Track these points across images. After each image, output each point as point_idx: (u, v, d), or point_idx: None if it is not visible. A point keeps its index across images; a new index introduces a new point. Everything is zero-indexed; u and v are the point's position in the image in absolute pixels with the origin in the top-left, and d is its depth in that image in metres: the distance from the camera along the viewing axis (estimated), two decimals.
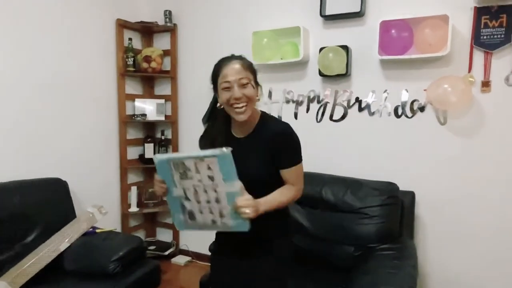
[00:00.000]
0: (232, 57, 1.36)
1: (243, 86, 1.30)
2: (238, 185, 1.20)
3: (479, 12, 2.07)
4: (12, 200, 2.05)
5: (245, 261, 1.43)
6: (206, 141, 1.44)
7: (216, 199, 1.24)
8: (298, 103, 2.63)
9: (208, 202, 1.26)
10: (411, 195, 2.24)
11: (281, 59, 2.55)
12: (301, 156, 1.39)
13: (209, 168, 1.19)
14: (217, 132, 1.44)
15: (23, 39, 2.31)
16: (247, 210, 1.19)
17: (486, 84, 2.10)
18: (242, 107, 1.30)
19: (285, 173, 1.36)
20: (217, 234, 1.55)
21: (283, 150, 1.34)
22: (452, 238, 2.26)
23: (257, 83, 1.38)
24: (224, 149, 1.16)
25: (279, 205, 1.34)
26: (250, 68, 1.35)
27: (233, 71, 1.30)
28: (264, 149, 1.34)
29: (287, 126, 1.39)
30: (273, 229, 1.41)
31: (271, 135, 1.34)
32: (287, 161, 1.36)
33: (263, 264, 1.41)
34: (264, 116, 1.42)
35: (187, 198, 1.28)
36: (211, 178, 1.21)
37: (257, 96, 1.36)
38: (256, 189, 1.27)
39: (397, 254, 1.90)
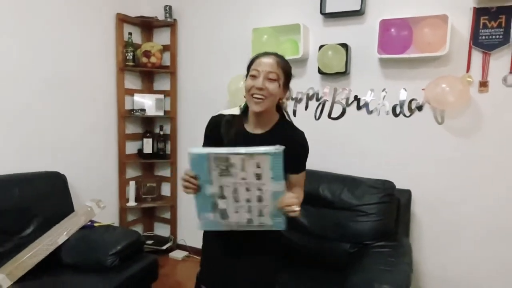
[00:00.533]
0: (273, 53, 1.38)
1: (269, 80, 1.31)
2: (283, 184, 1.20)
3: (478, 12, 2.07)
4: (11, 193, 2.06)
5: (238, 258, 1.44)
6: (216, 127, 1.44)
7: (258, 197, 1.21)
8: (297, 101, 2.64)
9: (248, 201, 1.22)
10: (407, 194, 2.26)
11: None
12: (305, 168, 1.48)
13: (258, 166, 1.16)
14: (232, 121, 1.44)
15: (22, 34, 2.31)
16: (296, 208, 1.21)
17: (484, 84, 2.12)
18: (260, 98, 1.31)
19: (294, 177, 1.42)
20: (206, 231, 1.54)
21: (298, 157, 1.41)
22: (448, 237, 2.28)
23: (287, 86, 1.40)
24: (278, 146, 1.13)
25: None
26: (284, 68, 1.35)
27: (266, 63, 1.33)
28: (290, 151, 1.32)
29: (304, 135, 1.45)
30: (268, 233, 1.40)
31: (290, 140, 1.35)
32: (299, 167, 1.43)
33: (257, 262, 1.43)
34: (284, 119, 1.46)
35: (222, 197, 1.22)
36: (258, 176, 1.17)
37: (283, 98, 1.40)
38: None
39: (393, 252, 1.92)
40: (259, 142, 1.34)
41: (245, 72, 1.40)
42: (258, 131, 1.41)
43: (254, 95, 1.32)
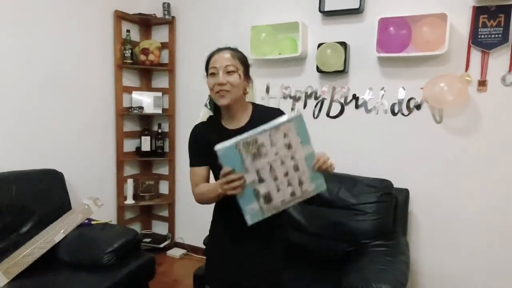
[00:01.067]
0: (225, 48, 1.41)
1: (228, 73, 1.33)
2: (312, 145, 1.25)
3: (478, 11, 2.07)
4: (8, 190, 2.05)
5: (246, 252, 1.44)
6: (199, 134, 1.47)
7: (294, 167, 1.23)
8: (296, 99, 2.63)
9: (286, 174, 1.23)
10: (405, 193, 2.26)
11: (279, 54, 2.54)
12: None
13: (285, 136, 1.19)
14: (209, 125, 1.49)
15: (20, 32, 2.30)
16: (333, 160, 1.26)
17: (482, 83, 2.11)
18: (224, 91, 1.33)
19: None
20: (213, 225, 1.55)
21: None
22: (445, 236, 2.28)
23: (247, 76, 1.41)
24: (296, 112, 1.17)
25: None
26: (240, 59, 1.38)
27: (221, 58, 1.35)
28: None
29: (281, 110, 1.45)
30: (272, 220, 1.40)
31: (266, 117, 1.31)
32: None
33: (265, 255, 1.44)
34: (258, 106, 1.47)
35: (261, 180, 1.22)
36: (288, 146, 1.20)
37: (246, 88, 1.40)
38: None
39: (390, 250, 1.92)
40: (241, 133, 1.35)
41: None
42: (237, 125, 1.41)
43: (219, 92, 1.34)
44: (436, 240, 2.31)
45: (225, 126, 1.43)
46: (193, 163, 1.46)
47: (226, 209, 1.41)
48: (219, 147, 1.16)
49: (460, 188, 2.22)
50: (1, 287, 1.78)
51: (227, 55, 1.36)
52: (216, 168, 1.36)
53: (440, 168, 2.26)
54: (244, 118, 1.41)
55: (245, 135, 1.17)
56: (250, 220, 1.26)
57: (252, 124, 1.36)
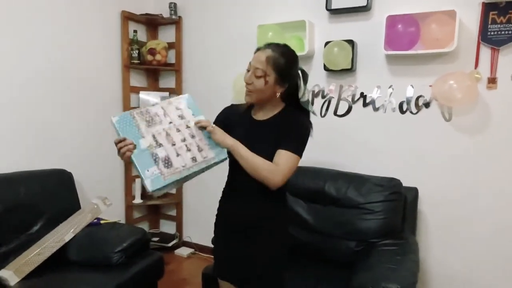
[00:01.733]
0: (272, 45, 1.38)
1: (256, 76, 1.35)
2: (203, 116, 1.39)
3: (487, 7, 2.04)
4: (18, 191, 2.07)
5: (247, 245, 1.46)
6: (229, 112, 1.56)
7: (191, 135, 1.35)
8: (308, 94, 2.61)
9: (184, 140, 1.33)
10: (414, 191, 2.24)
11: None
12: (301, 151, 1.37)
13: (177, 108, 1.36)
14: (237, 110, 1.54)
15: (28, 32, 2.32)
16: (211, 128, 1.35)
17: (492, 80, 2.09)
18: (248, 91, 1.39)
19: (280, 153, 1.33)
20: (217, 218, 1.58)
21: (290, 133, 1.37)
22: (455, 235, 2.26)
23: (281, 82, 1.36)
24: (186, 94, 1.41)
25: (249, 162, 1.32)
26: (276, 65, 1.33)
27: (257, 58, 1.36)
28: (277, 133, 1.38)
29: (306, 119, 1.43)
30: (272, 213, 1.45)
31: (288, 121, 1.40)
32: (287, 143, 1.35)
33: (265, 249, 1.45)
34: (289, 108, 1.45)
35: (158, 145, 1.29)
36: (181, 116, 1.35)
37: (278, 93, 1.39)
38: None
39: (399, 249, 1.90)
40: (261, 127, 1.42)
41: None
42: (261, 118, 1.45)
43: (246, 87, 1.40)
44: (445, 239, 2.29)
45: (252, 115, 1.48)
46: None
47: (221, 201, 1.56)
48: (113, 116, 1.27)
49: (470, 187, 2.20)
50: (12, 286, 1.80)
51: (262, 58, 1.33)
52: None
53: (449, 167, 2.24)
54: (271, 113, 1.44)
55: (138, 108, 1.34)
56: (150, 185, 1.25)
57: (275, 119, 1.42)
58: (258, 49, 1.39)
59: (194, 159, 1.32)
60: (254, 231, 1.45)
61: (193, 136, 1.35)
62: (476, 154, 2.17)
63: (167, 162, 1.28)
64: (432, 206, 2.30)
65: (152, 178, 1.25)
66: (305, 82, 1.44)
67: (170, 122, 1.33)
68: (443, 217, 2.28)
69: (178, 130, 1.33)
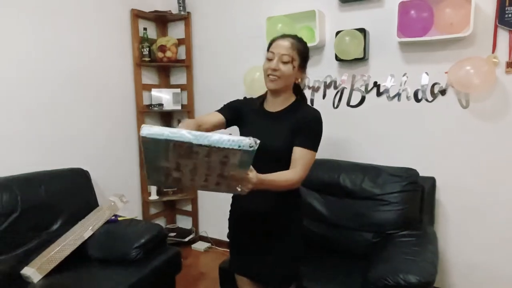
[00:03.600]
0: (289, 35, 1.43)
1: (283, 62, 1.37)
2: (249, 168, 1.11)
3: None
4: (38, 190, 2.12)
5: (260, 234, 1.47)
6: (243, 102, 1.57)
7: (220, 175, 1.09)
8: (314, 89, 2.59)
9: (208, 175, 1.09)
10: (431, 181, 2.20)
11: None
12: (316, 147, 1.41)
13: (225, 156, 1.01)
14: (253, 102, 1.55)
15: (42, 32, 2.35)
16: (239, 188, 1.15)
17: (511, 65, 2.02)
18: (275, 76, 1.38)
19: (296, 150, 1.37)
20: (231, 213, 1.61)
21: (304, 129, 1.38)
22: (474, 225, 2.21)
23: (303, 68, 1.44)
24: (254, 142, 0.98)
25: (277, 184, 1.29)
26: (299, 50, 1.40)
27: (280, 45, 1.38)
28: (290, 127, 1.40)
29: (318, 113, 1.43)
30: (286, 206, 1.46)
31: (300, 116, 1.40)
32: (303, 140, 1.38)
33: (280, 242, 1.45)
34: (300, 100, 1.50)
35: (178, 170, 1.07)
36: (223, 163, 1.04)
37: (298, 80, 1.45)
38: (270, 161, 1.33)
39: (417, 240, 1.88)
40: (275, 119, 1.44)
41: (261, 63, 1.46)
42: (274, 109, 1.47)
43: (269, 75, 1.39)
44: (464, 230, 2.24)
45: (265, 107, 1.50)
46: (220, 108, 1.54)
47: (233, 196, 1.59)
48: (146, 131, 0.95)
49: (489, 175, 2.14)
50: (35, 283, 1.85)
51: (286, 43, 1.38)
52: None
53: (467, 155, 2.18)
54: (283, 105, 1.46)
55: (183, 135, 0.96)
56: (150, 182, 1.21)
57: (288, 111, 1.45)
58: (274, 39, 1.43)
59: (204, 186, 1.15)
60: (269, 225, 1.45)
61: (221, 176, 1.10)
62: (495, 140, 2.11)
63: (177, 182, 1.14)
64: (450, 196, 2.26)
65: (154, 180, 1.16)
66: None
67: (207, 162, 1.03)
68: (462, 206, 2.24)
69: (208, 168, 1.06)
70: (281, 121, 1.43)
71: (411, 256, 1.71)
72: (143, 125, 0.97)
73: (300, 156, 1.36)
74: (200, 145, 0.97)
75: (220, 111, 1.51)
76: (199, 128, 1.33)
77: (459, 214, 2.25)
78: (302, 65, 1.44)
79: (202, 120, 1.42)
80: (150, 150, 1.01)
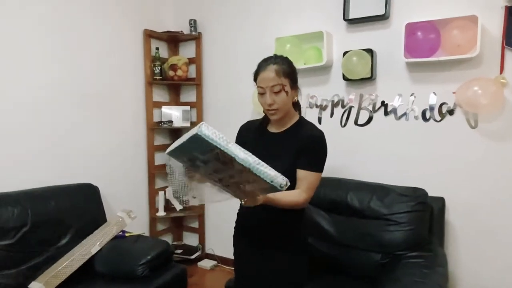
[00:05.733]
0: (270, 60, 1.41)
1: (275, 93, 1.37)
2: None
3: (511, 11, 1.99)
4: (47, 205, 2.15)
5: (263, 252, 1.47)
6: (244, 130, 1.59)
7: (236, 183, 1.11)
8: (322, 108, 2.62)
9: (224, 178, 1.11)
10: (441, 201, 2.17)
11: (304, 64, 2.54)
12: (321, 168, 1.42)
13: (254, 180, 1.05)
14: (252, 125, 1.57)
15: (57, 50, 2.44)
16: (243, 202, 1.19)
17: None
18: (274, 110, 1.40)
19: (301, 173, 1.38)
20: (235, 231, 1.62)
21: (308, 150, 1.38)
22: (485, 247, 2.17)
23: (294, 86, 1.44)
24: (285, 182, 1.05)
25: (281, 204, 1.31)
26: (285, 73, 1.39)
27: (267, 78, 1.37)
28: (294, 147, 1.40)
29: (321, 133, 1.44)
30: (291, 226, 1.45)
31: (304, 136, 1.41)
32: (307, 162, 1.38)
33: (284, 262, 1.44)
34: (302, 119, 1.50)
35: (205, 163, 1.07)
36: (247, 181, 1.08)
37: (295, 98, 1.46)
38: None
39: (426, 262, 1.84)
40: (276, 140, 1.44)
41: None
42: (277, 130, 1.48)
43: (268, 110, 1.41)
44: (475, 251, 2.20)
45: (269, 129, 1.51)
46: None
47: (238, 214, 1.59)
48: (205, 131, 0.97)
49: (500, 196, 2.11)
50: None
51: (271, 74, 1.37)
52: None
53: (478, 175, 2.16)
54: (287, 125, 1.47)
55: (235, 151, 1.01)
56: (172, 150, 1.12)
57: (292, 130, 1.45)
58: (257, 73, 1.41)
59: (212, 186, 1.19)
60: (273, 245, 1.45)
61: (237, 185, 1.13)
62: (505, 161, 2.09)
63: (196, 167, 1.15)
64: (460, 217, 2.22)
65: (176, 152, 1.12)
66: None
67: (231, 176, 1.09)
68: (472, 227, 2.20)
69: (230, 177, 1.09)
70: (284, 142, 1.44)
71: (420, 278, 1.67)
72: (203, 123, 0.99)
73: (304, 177, 1.37)
74: (240, 164, 1.01)
75: None
76: None
77: (469, 235, 2.21)
78: (293, 85, 1.43)
79: None
80: (193, 143, 1.01)
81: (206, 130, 0.98)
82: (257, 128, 1.53)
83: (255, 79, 1.44)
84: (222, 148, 0.99)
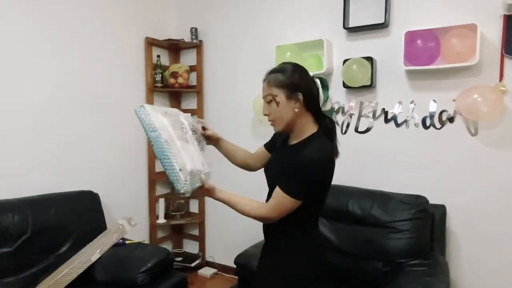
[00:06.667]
0: (271, 71, 1.36)
1: (268, 103, 1.34)
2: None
3: (509, 20, 2.00)
4: (48, 212, 2.15)
5: (258, 269, 1.49)
6: (276, 137, 1.56)
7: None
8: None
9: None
10: (442, 209, 2.17)
11: None
12: (295, 193, 1.24)
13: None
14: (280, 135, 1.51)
15: (59, 57, 2.45)
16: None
17: None
18: (271, 121, 1.37)
19: (275, 188, 1.28)
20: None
21: (288, 169, 1.27)
22: (487, 254, 2.16)
23: (292, 96, 1.30)
24: (182, 190, 1.23)
25: (234, 206, 1.33)
26: (276, 83, 1.30)
27: (263, 88, 1.36)
28: (288, 163, 1.32)
29: (313, 157, 1.24)
30: (284, 245, 1.38)
31: (296, 155, 1.28)
32: (283, 181, 1.27)
33: (269, 277, 1.41)
34: (312, 138, 1.33)
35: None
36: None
37: (296, 109, 1.30)
38: (270, 189, 1.36)
39: (428, 270, 1.84)
40: (286, 152, 1.40)
41: None
42: (291, 142, 1.40)
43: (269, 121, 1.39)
44: (477, 260, 2.19)
45: (289, 141, 1.43)
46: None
47: None
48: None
49: (501, 203, 2.11)
50: None
51: (264, 84, 1.35)
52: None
53: (478, 183, 2.16)
54: (298, 138, 1.36)
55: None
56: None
57: (298, 146, 1.33)
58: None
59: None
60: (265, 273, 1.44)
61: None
62: (505, 168, 2.09)
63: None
64: (461, 224, 2.22)
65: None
66: (326, 88, 1.43)
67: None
68: (473, 235, 2.19)
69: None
70: (286, 156, 1.37)
71: (423, 286, 1.67)
72: (143, 105, 1.36)
73: (275, 194, 1.27)
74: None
75: (265, 144, 1.60)
76: (249, 155, 1.63)
77: (471, 243, 2.20)
78: (291, 96, 1.29)
79: (255, 151, 1.60)
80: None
81: (140, 112, 1.33)
82: (285, 137, 1.46)
83: None
84: (147, 134, 1.28)
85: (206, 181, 1.32)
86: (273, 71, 1.35)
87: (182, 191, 1.19)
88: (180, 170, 1.21)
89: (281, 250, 1.38)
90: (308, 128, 1.35)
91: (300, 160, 1.25)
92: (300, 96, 1.30)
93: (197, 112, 3.22)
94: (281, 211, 1.27)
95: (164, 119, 1.33)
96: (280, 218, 1.28)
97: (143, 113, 1.31)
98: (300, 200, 1.26)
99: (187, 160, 1.26)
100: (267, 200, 1.35)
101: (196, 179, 1.28)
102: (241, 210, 1.32)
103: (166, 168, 1.22)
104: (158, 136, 1.26)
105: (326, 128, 1.37)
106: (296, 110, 1.31)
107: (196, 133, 1.53)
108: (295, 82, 1.31)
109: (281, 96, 1.30)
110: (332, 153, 1.33)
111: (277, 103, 1.30)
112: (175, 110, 1.49)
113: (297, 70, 1.34)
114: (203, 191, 1.33)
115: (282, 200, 1.26)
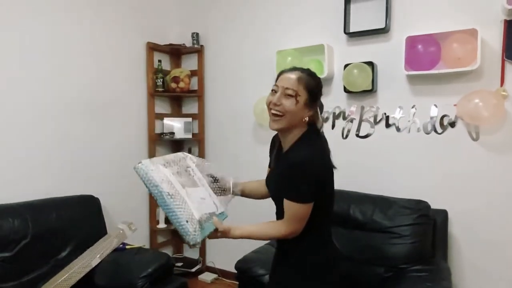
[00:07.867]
0: (299, 68, 1.31)
1: (286, 96, 1.25)
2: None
3: (510, 25, 2.01)
4: (48, 217, 2.15)
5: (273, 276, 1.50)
6: (273, 141, 1.51)
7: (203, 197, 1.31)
8: (323, 120, 2.62)
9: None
10: (443, 214, 2.16)
11: None
12: (303, 198, 1.23)
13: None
14: (276, 140, 1.46)
15: (61, 61, 2.46)
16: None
17: None
18: (276, 115, 1.27)
19: (284, 202, 1.27)
20: None
21: (287, 178, 1.26)
22: (490, 260, 2.14)
23: (310, 105, 1.29)
24: (192, 241, 1.18)
25: (256, 237, 1.32)
26: (307, 85, 1.26)
27: (286, 78, 1.27)
28: (282, 171, 1.31)
29: (303, 158, 1.24)
30: (282, 258, 1.41)
31: (290, 162, 1.27)
32: (288, 191, 1.25)
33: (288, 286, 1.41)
34: (302, 139, 1.31)
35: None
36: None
37: (305, 118, 1.29)
38: (276, 203, 1.36)
39: (430, 276, 1.82)
40: (280, 159, 1.36)
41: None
42: (285, 148, 1.35)
43: (272, 111, 1.29)
44: (479, 265, 2.17)
45: (281, 144, 1.38)
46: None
47: None
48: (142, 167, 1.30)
49: (502, 208, 2.10)
50: None
51: (293, 76, 1.26)
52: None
53: (480, 187, 2.15)
54: (290, 143, 1.33)
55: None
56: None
57: (289, 152, 1.32)
58: (282, 72, 1.32)
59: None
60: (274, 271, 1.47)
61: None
62: (507, 173, 2.08)
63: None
64: (463, 229, 2.20)
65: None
66: (321, 112, 1.38)
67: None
68: (476, 240, 2.18)
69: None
70: (280, 165, 1.35)
71: None
72: (141, 162, 1.28)
73: (287, 208, 1.26)
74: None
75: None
76: (260, 184, 1.51)
77: (473, 248, 2.19)
78: (310, 103, 1.28)
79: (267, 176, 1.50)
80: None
81: (139, 169, 1.28)
82: (277, 147, 1.43)
83: (276, 79, 1.33)
84: (149, 190, 1.25)
85: (220, 222, 1.25)
86: (303, 71, 1.30)
87: (192, 243, 1.16)
88: (187, 221, 1.17)
89: (298, 259, 1.36)
90: (300, 132, 1.32)
91: (292, 165, 1.24)
92: (313, 110, 1.30)
93: (198, 117, 3.23)
94: (299, 220, 1.26)
95: (166, 170, 1.29)
96: (303, 226, 1.27)
97: (142, 170, 1.27)
98: (310, 202, 1.25)
99: (194, 208, 1.21)
100: (276, 214, 1.35)
101: (209, 224, 1.24)
102: (266, 237, 1.33)
103: (173, 222, 1.19)
104: (160, 191, 1.22)
105: (312, 131, 1.35)
106: (305, 119, 1.30)
107: (206, 173, 1.45)
108: (317, 94, 1.31)
109: (303, 98, 1.26)
110: (320, 145, 1.32)
111: (297, 102, 1.25)
112: (179, 154, 1.44)
113: (321, 84, 1.34)
114: (218, 234, 1.25)
115: (295, 210, 1.24)
